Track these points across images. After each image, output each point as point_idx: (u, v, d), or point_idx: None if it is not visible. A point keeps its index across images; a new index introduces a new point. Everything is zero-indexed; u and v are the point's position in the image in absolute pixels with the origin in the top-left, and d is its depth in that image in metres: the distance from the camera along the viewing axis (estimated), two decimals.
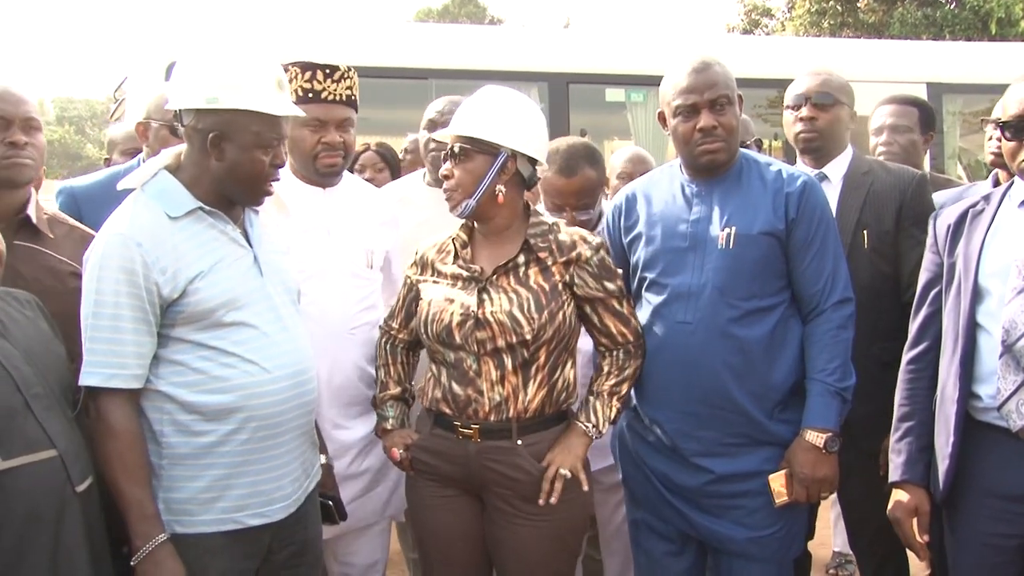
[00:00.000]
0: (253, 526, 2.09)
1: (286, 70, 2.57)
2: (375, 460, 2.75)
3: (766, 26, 21.61)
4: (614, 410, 2.41)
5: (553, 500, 2.29)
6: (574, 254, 2.34)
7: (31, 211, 2.35)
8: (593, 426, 2.38)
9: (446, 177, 2.35)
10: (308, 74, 2.59)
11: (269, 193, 2.17)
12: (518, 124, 2.35)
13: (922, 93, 5.43)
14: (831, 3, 19.14)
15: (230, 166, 2.07)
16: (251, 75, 2.05)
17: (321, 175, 2.68)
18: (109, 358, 1.96)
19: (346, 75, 2.65)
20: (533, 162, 2.40)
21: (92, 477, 1.97)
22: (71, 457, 1.90)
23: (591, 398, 2.43)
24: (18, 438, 1.81)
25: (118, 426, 1.97)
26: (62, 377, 1.98)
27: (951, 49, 8.60)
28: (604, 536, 3.16)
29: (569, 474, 2.29)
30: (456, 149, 2.34)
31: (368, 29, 6.70)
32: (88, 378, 1.97)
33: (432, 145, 3.22)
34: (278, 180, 2.16)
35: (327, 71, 2.60)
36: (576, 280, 2.34)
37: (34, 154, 2.35)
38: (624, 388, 2.43)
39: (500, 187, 2.33)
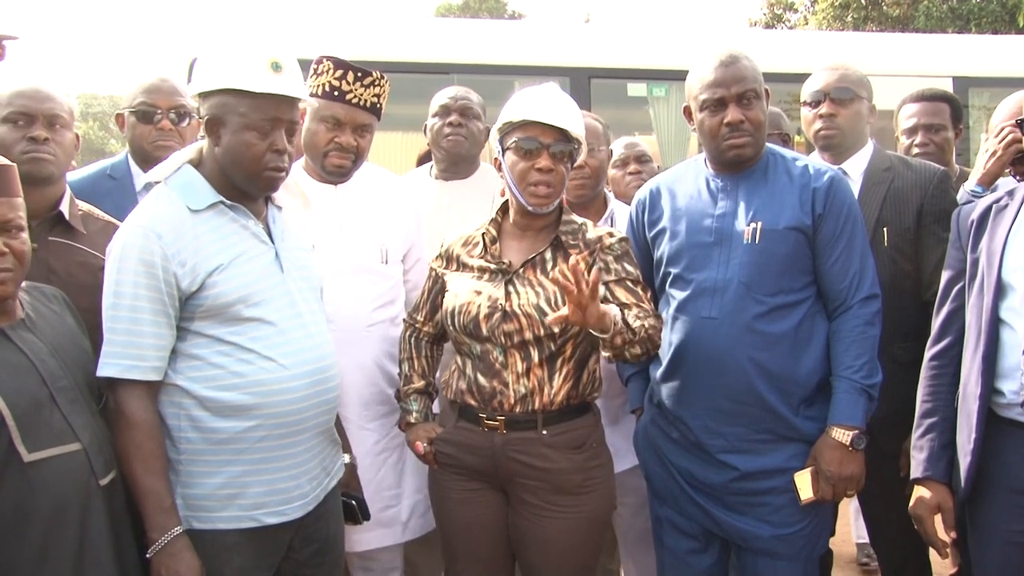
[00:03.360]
0: (271, 524, 2.10)
1: (320, 62, 2.58)
2: (393, 471, 2.76)
3: (789, 20, 21.46)
4: (638, 337, 2.22)
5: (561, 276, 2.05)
6: (599, 245, 2.36)
7: (64, 207, 2.38)
8: (620, 317, 2.19)
9: (547, 170, 2.31)
10: (339, 72, 2.58)
11: (271, 180, 2.12)
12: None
13: (948, 87, 5.39)
14: None
15: (225, 150, 2.08)
16: (239, 57, 2.06)
17: (328, 173, 2.68)
18: (128, 349, 1.98)
19: (376, 82, 2.63)
20: None
21: (116, 471, 1.98)
22: (95, 450, 1.92)
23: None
24: (44, 431, 1.83)
25: (135, 417, 1.98)
26: (87, 371, 2.00)
27: (978, 42, 8.51)
28: (624, 543, 3.15)
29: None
30: (564, 147, 2.33)
31: (391, 24, 6.71)
32: (106, 369, 1.98)
33: (447, 131, 3.23)
34: (282, 167, 2.12)
35: (358, 74, 2.60)
36: (598, 262, 2.34)
37: (56, 151, 2.37)
38: (648, 324, 2.25)
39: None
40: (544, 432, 2.32)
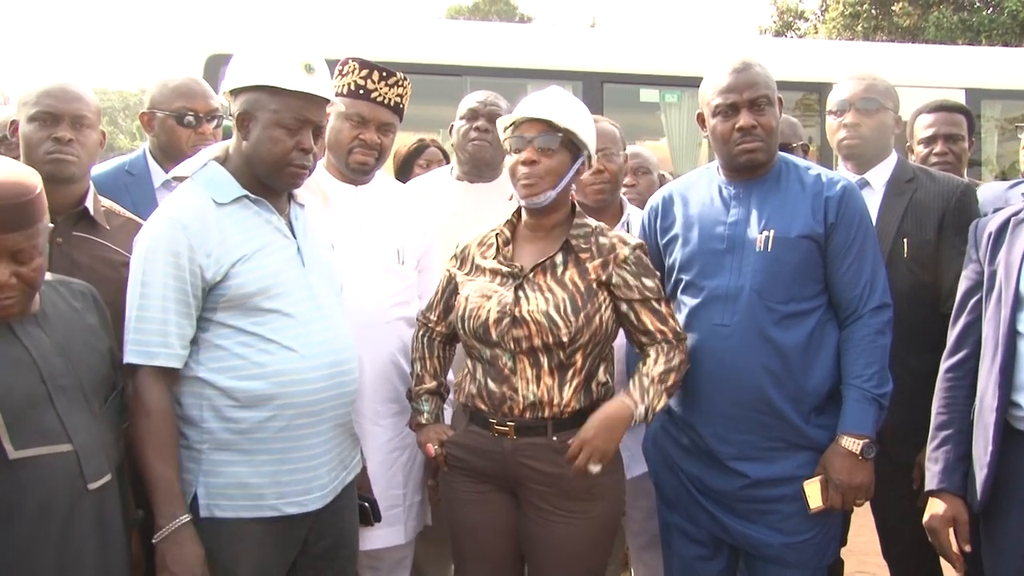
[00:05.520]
0: (290, 515, 2.12)
1: (346, 63, 2.64)
2: (403, 471, 2.76)
3: (799, 28, 21.44)
4: (662, 400, 2.30)
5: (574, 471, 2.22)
6: (612, 255, 2.34)
7: (89, 203, 2.43)
8: (644, 408, 2.25)
9: (529, 163, 2.32)
10: (364, 71, 2.64)
11: (295, 177, 2.18)
12: (592, 130, 2.41)
13: (961, 99, 5.38)
14: (865, 6, 18.94)
15: (253, 145, 2.13)
16: (273, 56, 2.12)
17: (351, 170, 2.72)
18: (155, 336, 2.02)
19: (400, 83, 2.69)
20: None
21: (111, 475, 1.92)
22: (88, 453, 1.86)
23: (641, 378, 2.31)
24: (34, 429, 1.79)
25: (152, 404, 2.02)
26: (97, 372, 1.97)
27: (991, 54, 8.50)
28: (635, 548, 3.14)
29: (598, 469, 2.21)
30: (546, 139, 2.32)
31: (405, 26, 6.72)
32: (133, 356, 2.02)
33: (473, 136, 3.22)
34: (306, 166, 2.18)
35: (383, 74, 2.65)
36: (615, 279, 2.32)
37: (79, 152, 2.40)
38: (672, 379, 2.31)
39: (573, 185, 2.41)
40: (554, 438, 2.31)
